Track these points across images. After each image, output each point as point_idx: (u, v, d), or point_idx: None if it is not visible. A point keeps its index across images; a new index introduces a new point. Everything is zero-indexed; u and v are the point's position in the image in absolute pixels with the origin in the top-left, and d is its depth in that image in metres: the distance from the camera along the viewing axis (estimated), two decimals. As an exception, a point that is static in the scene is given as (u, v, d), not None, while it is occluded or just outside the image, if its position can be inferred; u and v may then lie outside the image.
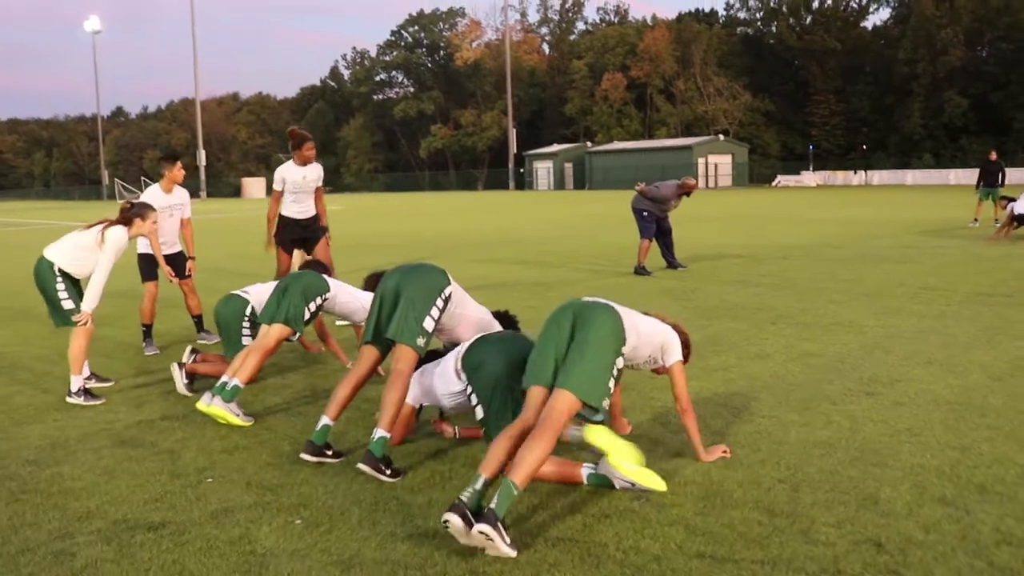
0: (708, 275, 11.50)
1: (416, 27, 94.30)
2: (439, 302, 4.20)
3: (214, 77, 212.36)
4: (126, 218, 5.99)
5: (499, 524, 3.08)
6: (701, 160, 64.25)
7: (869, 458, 4.13)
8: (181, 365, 5.85)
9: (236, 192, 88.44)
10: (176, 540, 3.40)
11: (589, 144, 76.14)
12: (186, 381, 5.79)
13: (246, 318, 5.84)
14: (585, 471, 3.86)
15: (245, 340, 5.77)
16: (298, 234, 8.28)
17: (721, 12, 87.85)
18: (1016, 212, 15.89)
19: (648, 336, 3.91)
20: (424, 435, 4.72)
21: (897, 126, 70.64)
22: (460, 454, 4.42)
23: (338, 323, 7.38)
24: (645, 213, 12.04)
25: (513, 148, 74.14)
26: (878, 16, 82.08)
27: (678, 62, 77.26)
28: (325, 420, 4.30)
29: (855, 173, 65.37)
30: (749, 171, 69.36)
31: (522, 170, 76.54)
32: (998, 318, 7.77)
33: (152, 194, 7.47)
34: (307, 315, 5.37)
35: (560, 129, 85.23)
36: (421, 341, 4.13)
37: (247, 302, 5.89)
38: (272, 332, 5.26)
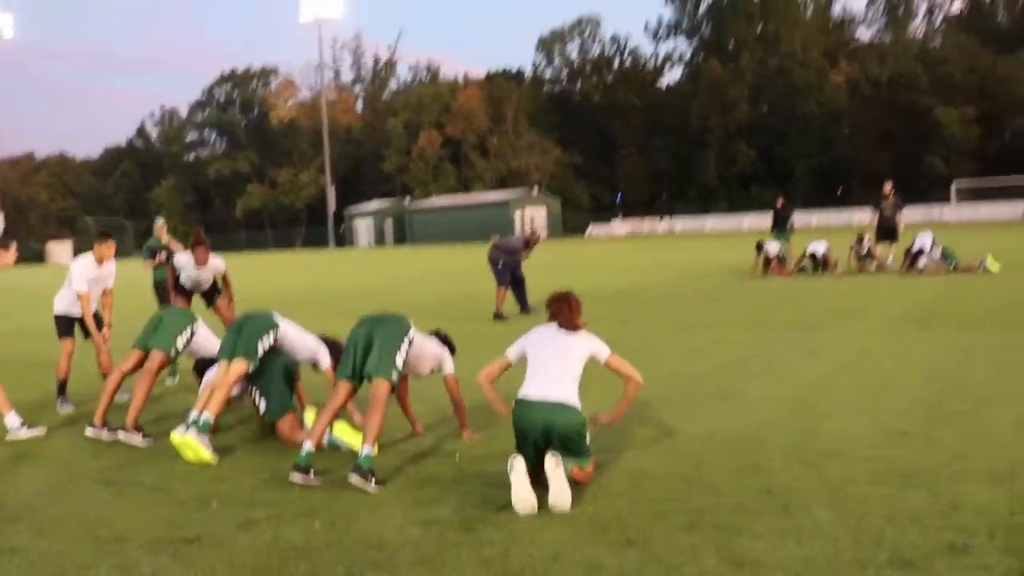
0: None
1: (229, 85, 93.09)
2: (406, 343, 5.15)
3: (3, 136, 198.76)
4: None
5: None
6: (518, 212, 66.77)
7: (742, 439, 5.36)
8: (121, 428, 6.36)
9: (38, 257, 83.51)
10: (220, 547, 4.10)
11: (408, 200, 77.47)
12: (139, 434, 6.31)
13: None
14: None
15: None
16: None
17: (528, 71, 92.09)
18: (809, 252, 18.43)
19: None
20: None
21: (695, 176, 76.21)
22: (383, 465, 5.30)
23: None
24: (500, 264, 13.22)
25: (332, 206, 74.34)
26: (672, 75, 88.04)
27: (491, 119, 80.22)
28: (308, 446, 5.07)
29: (660, 219, 69.84)
30: (563, 222, 72.64)
31: (342, 227, 76.79)
32: (816, 342, 9.38)
33: (82, 265, 7.88)
34: (260, 350, 6.03)
35: (378, 185, 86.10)
36: (395, 375, 5.05)
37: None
38: (233, 368, 5.91)
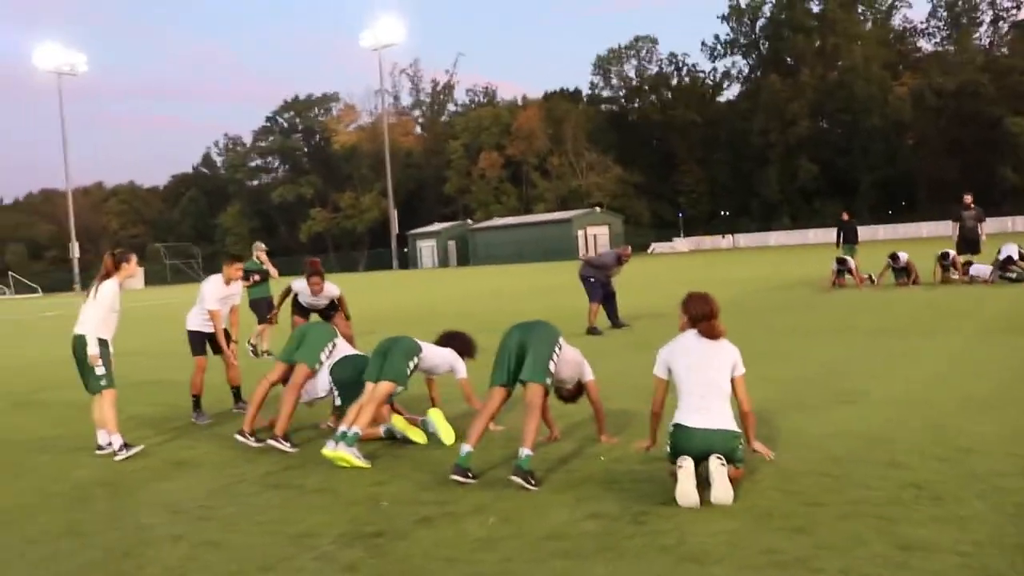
0: (653, 332, 13.00)
1: (291, 112, 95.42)
2: (557, 349, 5.49)
3: (75, 166, 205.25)
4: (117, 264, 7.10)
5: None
6: (580, 232, 67.11)
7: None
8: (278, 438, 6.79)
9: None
10: (406, 539, 4.44)
11: (470, 221, 78.29)
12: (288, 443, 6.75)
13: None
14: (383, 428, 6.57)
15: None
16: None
17: (585, 91, 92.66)
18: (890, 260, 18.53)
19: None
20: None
21: (757, 191, 75.83)
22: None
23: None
24: (592, 279, 13.54)
25: (395, 228, 75.46)
26: (731, 92, 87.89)
27: (550, 139, 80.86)
28: (467, 447, 5.42)
29: (723, 237, 69.59)
30: (625, 240, 72.76)
31: (405, 249, 77.88)
32: (913, 347, 9.51)
33: (212, 285, 8.43)
34: (409, 372, 6.46)
35: (439, 208, 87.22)
36: (548, 380, 5.40)
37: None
38: (380, 388, 6.32)
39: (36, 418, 9.18)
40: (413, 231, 79.28)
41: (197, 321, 8.56)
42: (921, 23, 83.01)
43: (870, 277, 18.88)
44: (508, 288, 28.90)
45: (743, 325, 12.95)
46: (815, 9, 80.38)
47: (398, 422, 6.77)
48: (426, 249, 76.90)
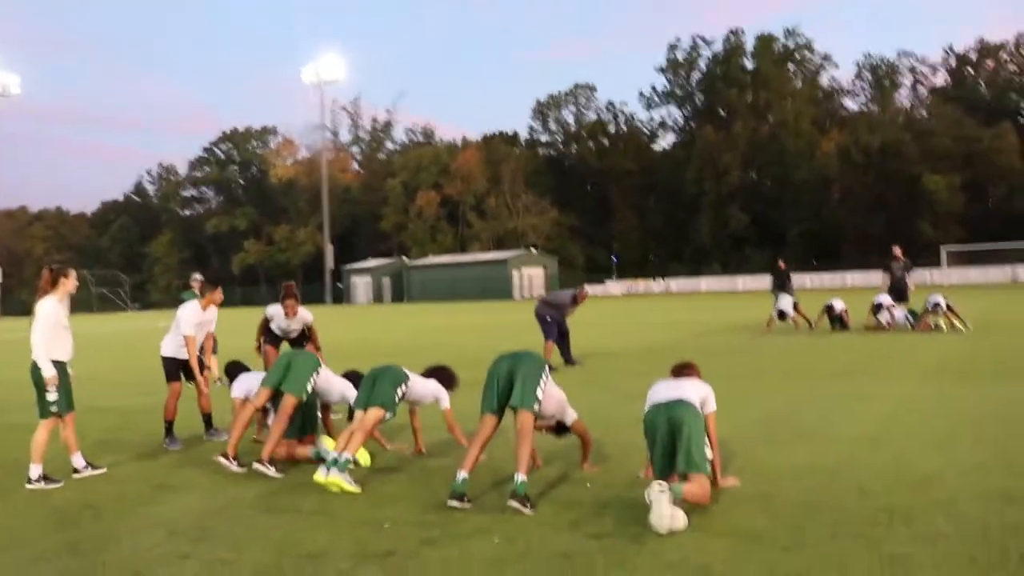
0: (604, 368, 13.38)
1: (229, 144, 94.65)
2: (544, 377, 5.79)
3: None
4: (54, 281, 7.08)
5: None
6: (516, 272, 67.71)
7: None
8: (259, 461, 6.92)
9: (32, 310, 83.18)
10: (417, 558, 4.63)
11: (406, 258, 78.35)
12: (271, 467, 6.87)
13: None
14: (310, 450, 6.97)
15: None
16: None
17: (524, 135, 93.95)
18: (778, 309, 19.30)
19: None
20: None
21: (689, 238, 77.58)
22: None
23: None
24: (548, 318, 13.89)
25: (330, 263, 75.08)
26: (666, 140, 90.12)
27: (488, 180, 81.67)
28: (463, 474, 5.65)
29: (655, 280, 70.86)
30: (560, 282, 73.59)
31: (340, 284, 77.43)
32: (862, 389, 10.04)
33: (190, 310, 8.51)
34: (398, 399, 6.67)
35: (375, 244, 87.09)
36: (537, 407, 5.68)
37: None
38: (370, 415, 6.52)
39: None
40: (348, 266, 78.98)
41: (172, 347, 8.61)
42: (847, 84, 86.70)
43: (808, 321, 19.60)
44: (448, 325, 29.07)
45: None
46: (749, 66, 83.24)
47: (328, 443, 7.12)
48: (361, 285, 76.64)
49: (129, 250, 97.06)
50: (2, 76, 72.31)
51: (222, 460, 7.05)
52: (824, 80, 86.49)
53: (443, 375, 7.37)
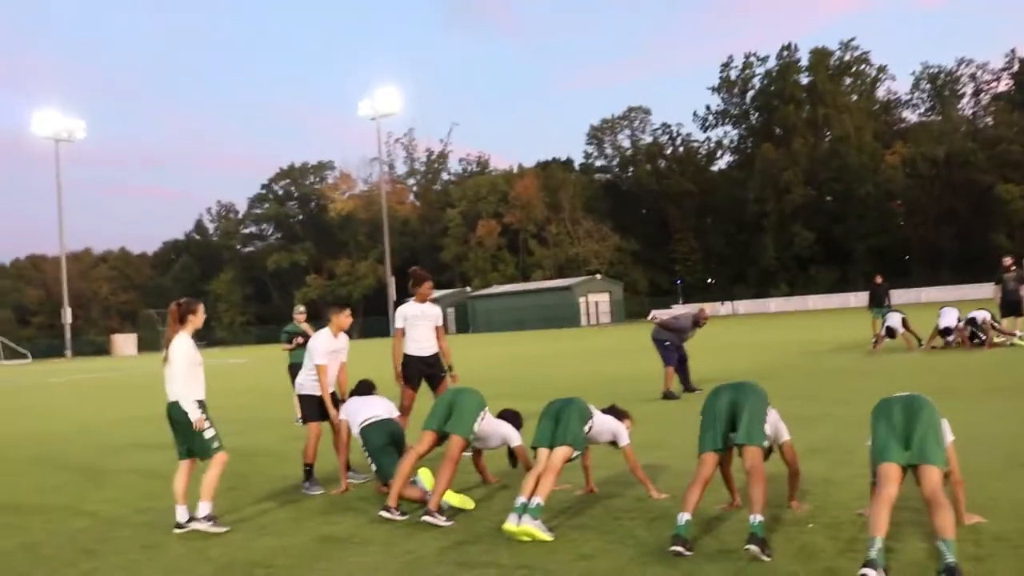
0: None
1: (287, 180, 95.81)
2: (770, 409, 5.27)
3: (65, 232, 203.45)
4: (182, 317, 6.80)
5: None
6: (582, 299, 67.13)
7: None
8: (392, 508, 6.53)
9: (100, 350, 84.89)
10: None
11: (468, 288, 78.22)
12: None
13: None
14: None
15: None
16: (422, 371, 9.14)
17: (579, 160, 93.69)
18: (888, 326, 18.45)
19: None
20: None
21: (753, 259, 76.32)
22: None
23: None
24: (667, 343, 13.33)
25: (393, 295, 75.19)
26: (723, 161, 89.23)
27: (548, 207, 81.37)
28: (686, 516, 5.11)
29: (722, 304, 69.77)
30: (625, 307, 72.83)
31: (402, 316, 77.43)
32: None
33: (322, 338, 8.11)
34: (584, 435, 6.22)
35: (435, 275, 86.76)
36: (767, 443, 5.14)
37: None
38: (557, 454, 6.04)
39: (116, 491, 8.64)
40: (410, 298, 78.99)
41: (309, 384, 8.20)
42: (905, 95, 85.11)
43: (918, 339, 18.72)
44: (526, 354, 28.58)
45: (813, 391, 12.69)
46: (804, 81, 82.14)
47: (426, 477, 6.99)
48: (424, 316, 76.56)
49: (191, 288, 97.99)
50: (67, 122, 74.13)
51: (384, 514, 6.60)
52: (880, 92, 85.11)
53: (616, 412, 6.92)
